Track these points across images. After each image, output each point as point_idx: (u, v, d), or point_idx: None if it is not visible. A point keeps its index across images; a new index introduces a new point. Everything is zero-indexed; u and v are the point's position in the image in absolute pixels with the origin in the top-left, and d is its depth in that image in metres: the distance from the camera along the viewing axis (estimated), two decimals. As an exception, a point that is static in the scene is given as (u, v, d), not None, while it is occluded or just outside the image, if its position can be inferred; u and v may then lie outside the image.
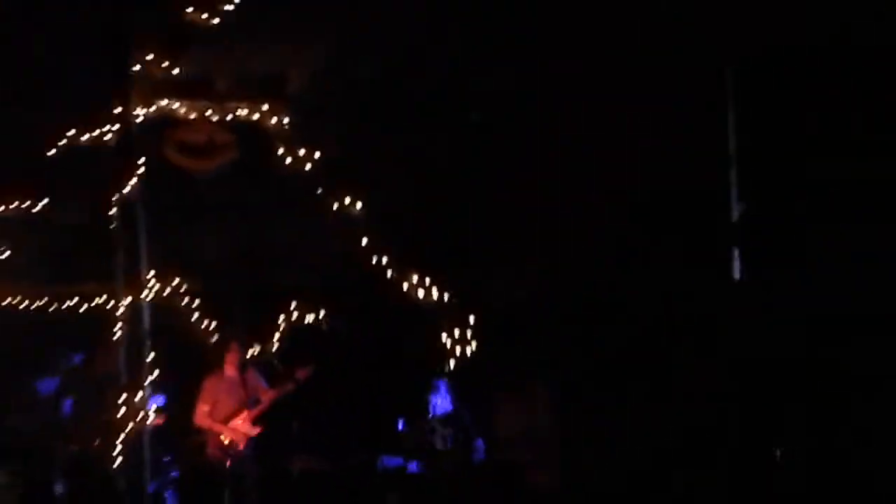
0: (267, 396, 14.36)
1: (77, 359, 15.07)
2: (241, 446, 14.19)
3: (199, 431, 14.30)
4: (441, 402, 14.43)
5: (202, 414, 14.14)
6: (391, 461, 14.22)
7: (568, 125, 13.78)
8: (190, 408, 14.53)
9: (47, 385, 14.96)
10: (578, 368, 14.16)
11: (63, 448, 14.09)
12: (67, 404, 14.82)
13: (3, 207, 13.73)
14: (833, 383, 12.38)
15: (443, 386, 14.45)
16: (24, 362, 15.00)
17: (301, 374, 14.30)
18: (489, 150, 14.34)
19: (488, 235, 14.67)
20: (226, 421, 14.23)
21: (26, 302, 14.95)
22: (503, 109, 14.14)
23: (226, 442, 14.08)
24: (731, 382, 13.19)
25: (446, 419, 14.28)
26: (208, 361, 14.85)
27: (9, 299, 14.74)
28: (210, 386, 14.38)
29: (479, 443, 14.19)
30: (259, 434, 14.36)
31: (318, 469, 14.23)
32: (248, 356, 14.81)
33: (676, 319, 13.60)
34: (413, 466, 14.16)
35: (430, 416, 14.35)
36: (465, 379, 14.28)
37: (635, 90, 13.44)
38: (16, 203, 13.72)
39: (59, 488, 13.89)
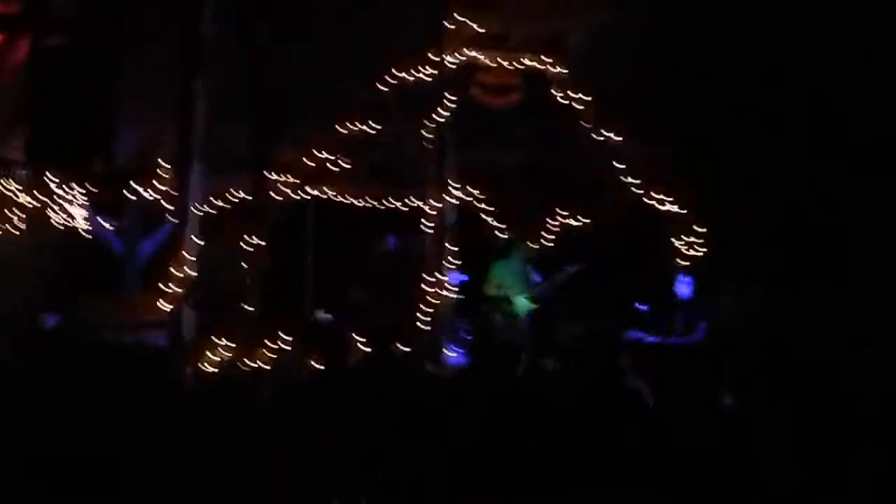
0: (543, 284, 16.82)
1: (391, 243, 17.05)
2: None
3: (488, 300, 16.63)
4: (683, 290, 15.79)
5: (492, 287, 16.67)
6: (635, 334, 15.59)
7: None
8: (480, 285, 16.64)
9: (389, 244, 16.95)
10: (783, 265, 16.31)
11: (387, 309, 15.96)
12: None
13: (347, 130, 15.49)
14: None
15: (687, 278, 15.93)
16: (359, 245, 17.05)
17: (571, 269, 16.59)
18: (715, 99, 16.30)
19: (713, 164, 16.41)
20: None
21: (361, 202, 17.43)
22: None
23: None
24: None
25: (685, 305, 15.81)
26: (496, 250, 17.01)
27: (349, 199, 17.18)
28: (499, 269, 16.71)
29: (702, 327, 15.58)
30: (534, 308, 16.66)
31: (579, 334, 15.35)
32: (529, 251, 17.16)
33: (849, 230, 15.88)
34: (651, 339, 15.47)
35: (674, 298, 15.76)
36: (696, 273, 15.94)
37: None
38: (357, 127, 15.51)
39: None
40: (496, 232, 17.44)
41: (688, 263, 16.20)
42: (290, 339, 14.32)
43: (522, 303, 16.61)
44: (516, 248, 16.95)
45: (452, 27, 15.04)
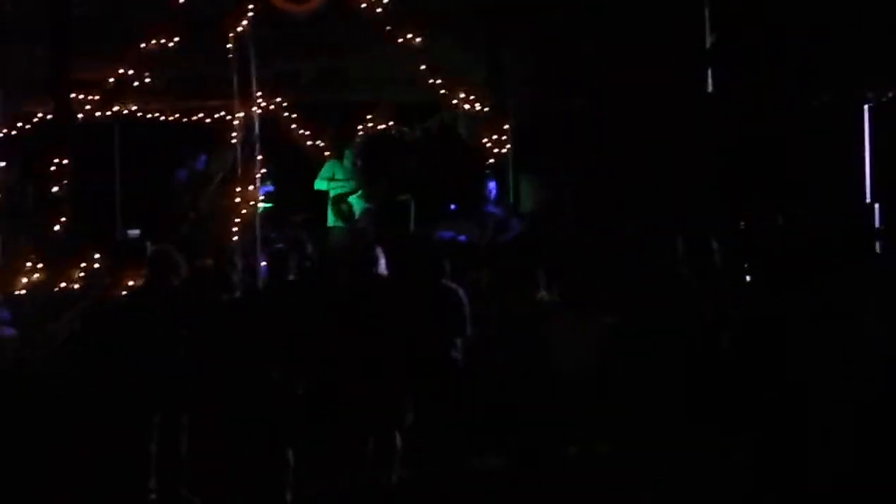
0: None
1: (202, 161, 17.10)
2: None
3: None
4: (490, 188, 16.27)
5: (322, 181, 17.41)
6: (446, 234, 15.93)
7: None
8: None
9: (182, 174, 17.21)
10: (588, 158, 16.26)
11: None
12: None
13: (147, 45, 15.12)
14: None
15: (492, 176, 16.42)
16: (169, 159, 17.27)
17: None
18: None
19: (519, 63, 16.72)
20: None
21: (165, 115, 17.53)
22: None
23: None
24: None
25: (495, 202, 16.26)
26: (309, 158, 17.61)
27: (154, 114, 17.28)
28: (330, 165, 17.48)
29: (515, 222, 16.03)
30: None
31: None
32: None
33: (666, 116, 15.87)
34: (462, 238, 15.84)
35: (490, 197, 16.22)
36: (503, 170, 16.50)
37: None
38: (156, 41, 15.20)
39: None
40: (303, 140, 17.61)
41: (493, 161, 16.39)
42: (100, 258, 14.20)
43: (358, 202, 17.02)
44: (350, 149, 17.48)
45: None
